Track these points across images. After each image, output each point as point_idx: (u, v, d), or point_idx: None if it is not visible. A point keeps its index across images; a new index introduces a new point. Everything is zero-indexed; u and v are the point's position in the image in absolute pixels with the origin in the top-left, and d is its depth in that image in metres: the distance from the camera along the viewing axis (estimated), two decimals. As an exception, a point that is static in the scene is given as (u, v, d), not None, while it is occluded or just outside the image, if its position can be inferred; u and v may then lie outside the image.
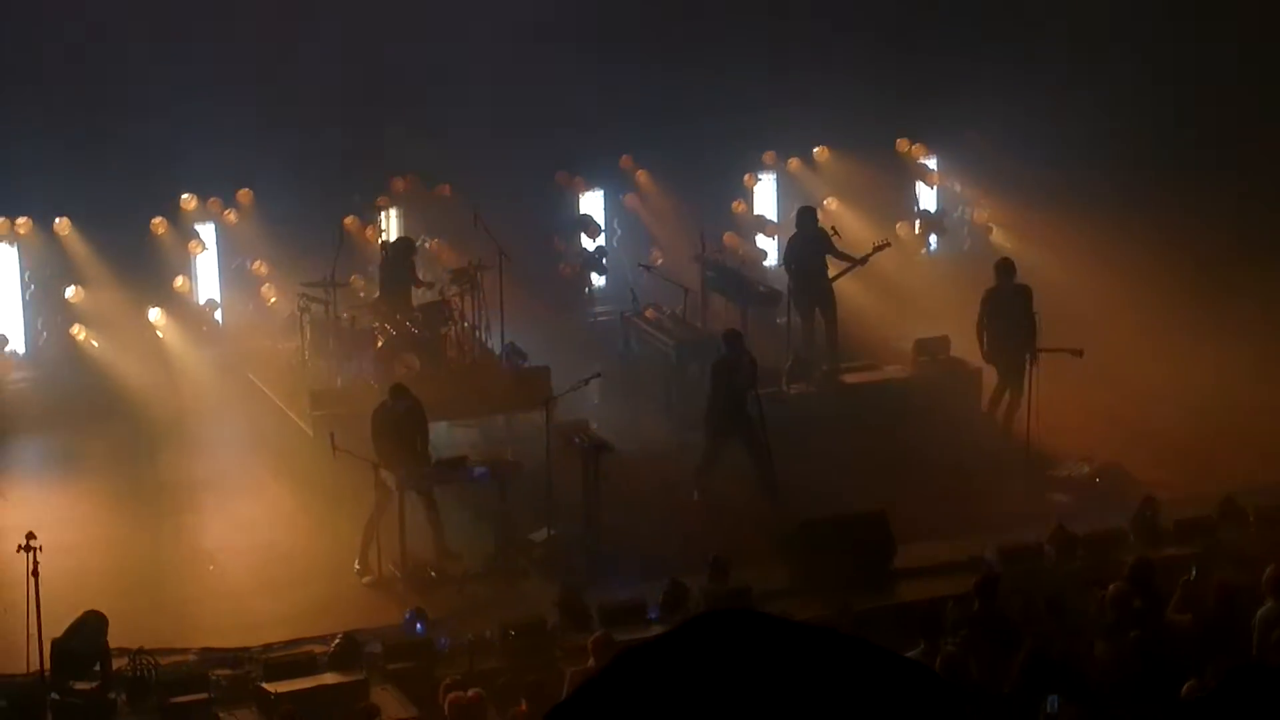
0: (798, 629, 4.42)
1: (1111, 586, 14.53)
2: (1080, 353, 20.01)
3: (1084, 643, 14.01)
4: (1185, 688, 12.12)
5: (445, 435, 20.63)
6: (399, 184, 24.66)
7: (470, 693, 13.70)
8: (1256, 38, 25.67)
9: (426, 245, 24.24)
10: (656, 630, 15.94)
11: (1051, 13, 26.17)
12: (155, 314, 23.13)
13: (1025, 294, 20.88)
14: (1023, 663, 13.37)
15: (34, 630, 14.67)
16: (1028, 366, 20.13)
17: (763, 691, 4.19)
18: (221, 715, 14.83)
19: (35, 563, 14.60)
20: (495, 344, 22.08)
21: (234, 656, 15.81)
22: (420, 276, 22.54)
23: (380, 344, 21.06)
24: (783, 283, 23.28)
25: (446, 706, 13.49)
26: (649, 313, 23.07)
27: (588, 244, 25.80)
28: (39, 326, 23.13)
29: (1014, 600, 14.91)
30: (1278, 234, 24.42)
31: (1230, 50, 25.67)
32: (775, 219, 26.66)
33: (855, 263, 22.82)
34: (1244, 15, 25.77)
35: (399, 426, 17.92)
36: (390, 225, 24.57)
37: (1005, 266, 21.16)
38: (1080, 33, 26.18)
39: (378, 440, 17.84)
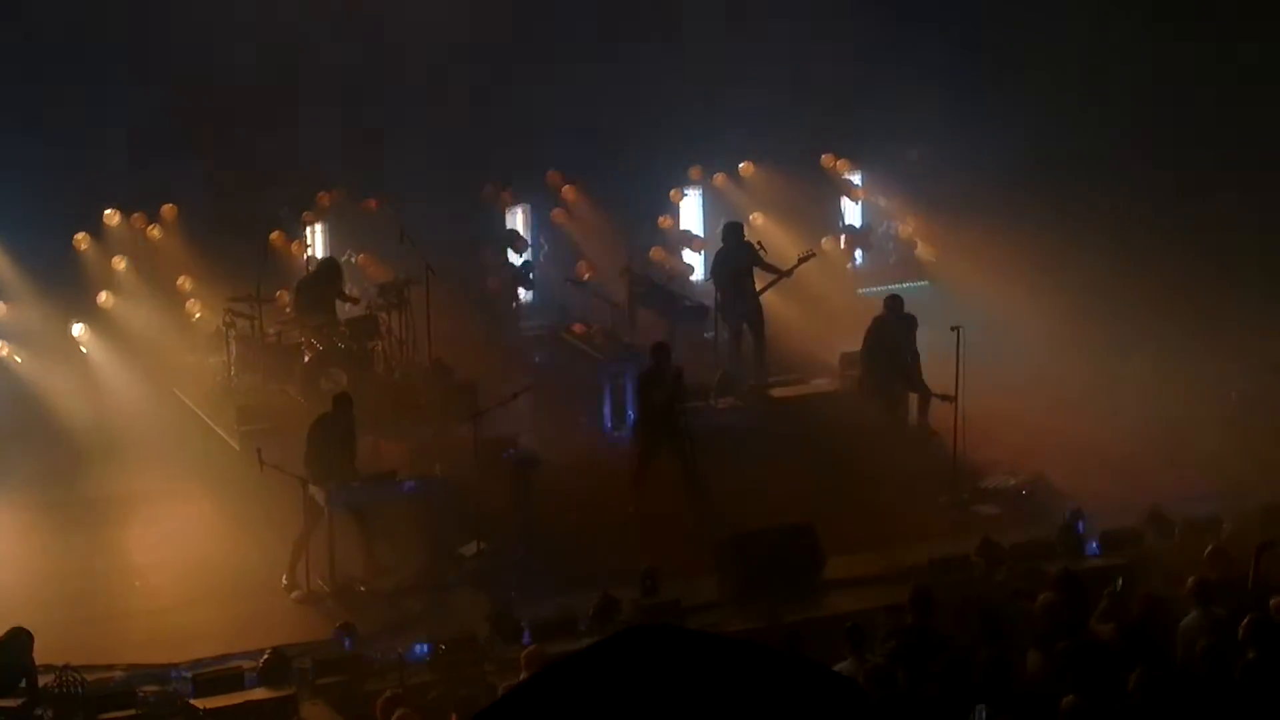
0: (721, 643, 4.42)
1: (1041, 597, 14.62)
2: (951, 399, 20.11)
3: (1015, 653, 14.07)
4: (1063, 702, 12.27)
5: (373, 450, 20.59)
6: (325, 198, 24.58)
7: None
8: (1178, 49, 25.87)
9: (353, 260, 24.16)
10: (587, 644, 15.96)
11: (977, 28, 26.34)
12: (79, 329, 22.97)
13: (910, 325, 21.10)
14: (951, 674, 13.42)
15: (-41, 647, 14.54)
16: (906, 397, 20.58)
17: (685, 706, 4.19)
18: (149, 731, 14.74)
19: (-40, 579, 14.48)
20: (423, 358, 22.03)
21: (162, 672, 15.68)
22: (349, 292, 22.44)
23: (307, 359, 20.97)
24: (710, 297, 23.35)
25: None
26: (577, 327, 23.09)
27: (515, 259, 25.78)
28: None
29: (945, 612, 14.96)
30: (1207, 248, 24.61)
31: (1157, 61, 25.83)
32: (702, 234, 26.73)
33: (782, 275, 22.96)
34: (1173, 28, 25.96)
35: (336, 439, 17.85)
36: (316, 240, 24.47)
37: (894, 303, 21.34)
38: (1005, 47, 26.35)
39: (312, 452, 17.75)
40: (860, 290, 26.78)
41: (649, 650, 4.33)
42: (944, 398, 20.30)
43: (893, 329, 21.27)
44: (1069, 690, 12.80)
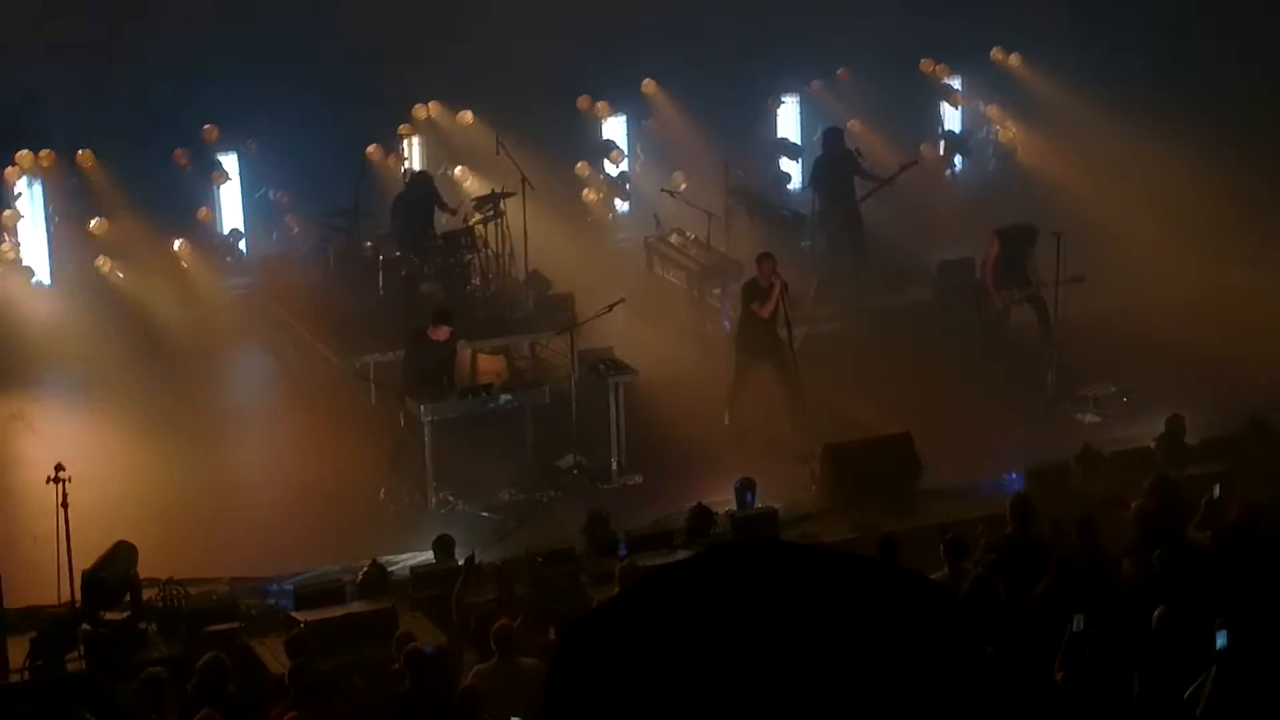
0: (818, 554, 4.39)
1: (1134, 505, 14.51)
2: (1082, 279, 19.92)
3: (1111, 562, 13.98)
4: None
5: (469, 362, 20.67)
6: (421, 111, 24.60)
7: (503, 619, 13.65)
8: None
9: (449, 173, 24.18)
10: (682, 555, 15.98)
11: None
12: (179, 245, 23.14)
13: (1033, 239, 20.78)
14: (1049, 583, 13.36)
15: (64, 561, 14.71)
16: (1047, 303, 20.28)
17: (781, 617, 4.17)
18: (251, 644, 14.88)
19: (64, 494, 14.65)
20: (519, 271, 22.05)
21: (263, 586, 15.86)
22: (446, 203, 22.44)
23: (404, 273, 21.03)
24: (806, 206, 23.21)
25: (493, 635, 13.32)
26: (673, 238, 23.03)
27: (611, 170, 25.73)
28: (64, 259, 23.08)
29: (1042, 521, 14.87)
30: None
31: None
32: (799, 142, 26.56)
33: (882, 183, 22.79)
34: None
35: (434, 353, 17.91)
36: (413, 154, 24.49)
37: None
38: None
39: (409, 366, 17.83)
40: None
41: (747, 563, 4.31)
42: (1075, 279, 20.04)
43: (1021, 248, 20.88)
44: (1165, 599, 12.70)
